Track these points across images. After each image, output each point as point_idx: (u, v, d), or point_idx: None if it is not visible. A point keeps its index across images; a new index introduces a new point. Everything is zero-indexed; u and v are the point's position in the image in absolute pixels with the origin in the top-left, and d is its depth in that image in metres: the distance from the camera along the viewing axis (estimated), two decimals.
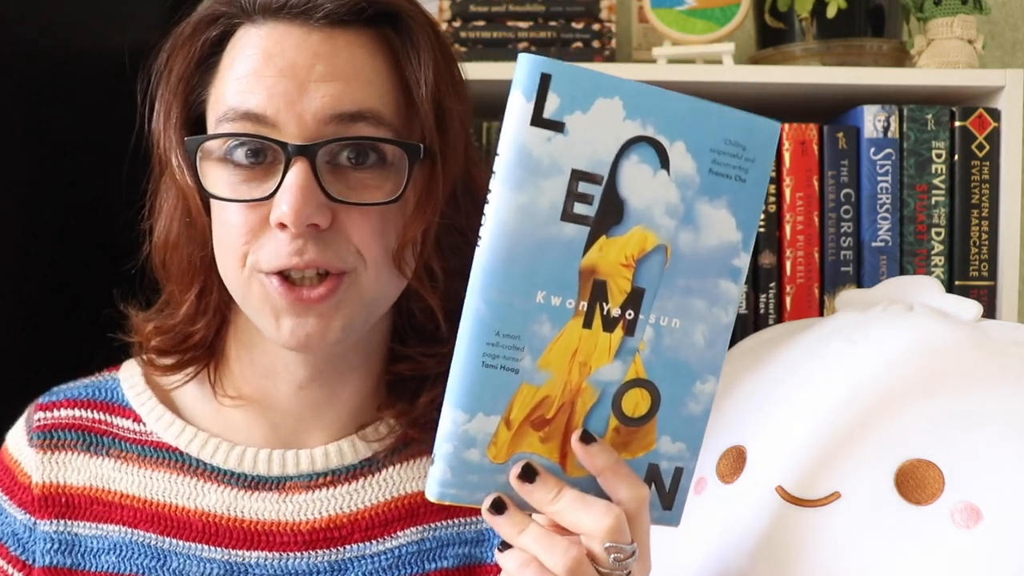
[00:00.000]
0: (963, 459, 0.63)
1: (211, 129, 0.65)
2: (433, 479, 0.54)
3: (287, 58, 0.62)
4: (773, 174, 1.04)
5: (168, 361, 0.72)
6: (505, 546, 0.55)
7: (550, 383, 0.54)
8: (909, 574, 0.60)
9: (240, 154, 0.63)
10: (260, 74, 0.62)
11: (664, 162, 0.53)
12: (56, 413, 0.74)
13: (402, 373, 0.72)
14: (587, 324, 0.54)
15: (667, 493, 0.59)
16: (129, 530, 0.70)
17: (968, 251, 1.05)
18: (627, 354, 0.55)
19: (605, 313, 0.54)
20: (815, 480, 0.66)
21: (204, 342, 0.71)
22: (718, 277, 0.56)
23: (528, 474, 0.54)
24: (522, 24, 1.11)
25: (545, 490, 0.54)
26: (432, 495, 0.54)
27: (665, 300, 0.55)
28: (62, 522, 0.71)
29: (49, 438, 0.73)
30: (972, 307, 0.75)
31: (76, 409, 0.74)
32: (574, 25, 1.11)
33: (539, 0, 1.11)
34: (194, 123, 0.67)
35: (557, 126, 0.51)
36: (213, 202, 0.65)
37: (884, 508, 0.63)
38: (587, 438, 0.55)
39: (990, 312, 1.05)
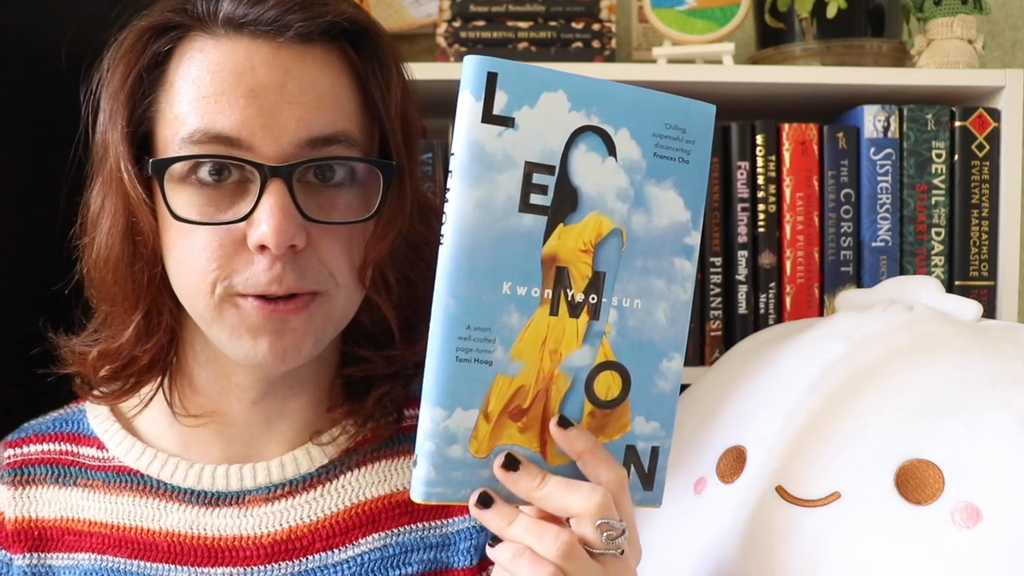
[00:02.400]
0: (963, 459, 0.63)
1: (169, 146, 0.62)
2: (418, 480, 0.54)
3: (257, 76, 0.60)
4: (773, 174, 1.04)
5: (115, 387, 0.70)
6: (496, 540, 0.56)
7: (523, 373, 0.55)
8: (909, 574, 0.60)
9: (205, 173, 0.61)
10: (230, 95, 0.60)
11: (611, 149, 0.55)
12: (26, 449, 0.74)
13: (354, 375, 0.72)
14: (553, 311, 0.55)
15: (646, 474, 0.60)
16: (99, 556, 0.70)
17: (968, 251, 1.05)
18: (594, 338, 0.57)
19: (569, 299, 0.56)
20: (815, 480, 0.66)
21: (154, 363, 0.69)
22: (672, 256, 0.58)
23: (511, 463, 0.55)
24: (522, 24, 1.11)
25: (529, 478, 0.55)
26: (418, 496, 0.54)
27: (625, 282, 0.57)
28: (36, 555, 0.71)
29: (20, 474, 0.73)
30: (972, 307, 0.75)
31: (45, 443, 0.74)
32: (574, 25, 1.11)
33: (539, 0, 1.11)
34: (141, 136, 0.64)
35: (507, 121, 0.53)
36: (171, 222, 0.62)
37: (884, 508, 0.63)
38: (564, 423, 0.56)
39: (990, 312, 1.05)
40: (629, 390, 0.58)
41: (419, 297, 0.70)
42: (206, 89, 0.61)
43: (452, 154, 0.53)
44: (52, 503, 0.72)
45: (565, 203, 0.55)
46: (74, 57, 0.67)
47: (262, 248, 0.60)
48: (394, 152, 0.66)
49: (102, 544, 0.70)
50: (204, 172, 0.61)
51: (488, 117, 0.52)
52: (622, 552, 0.54)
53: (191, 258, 0.62)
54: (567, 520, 0.55)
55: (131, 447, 0.72)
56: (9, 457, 0.74)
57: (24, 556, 0.71)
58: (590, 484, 0.54)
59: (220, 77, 0.60)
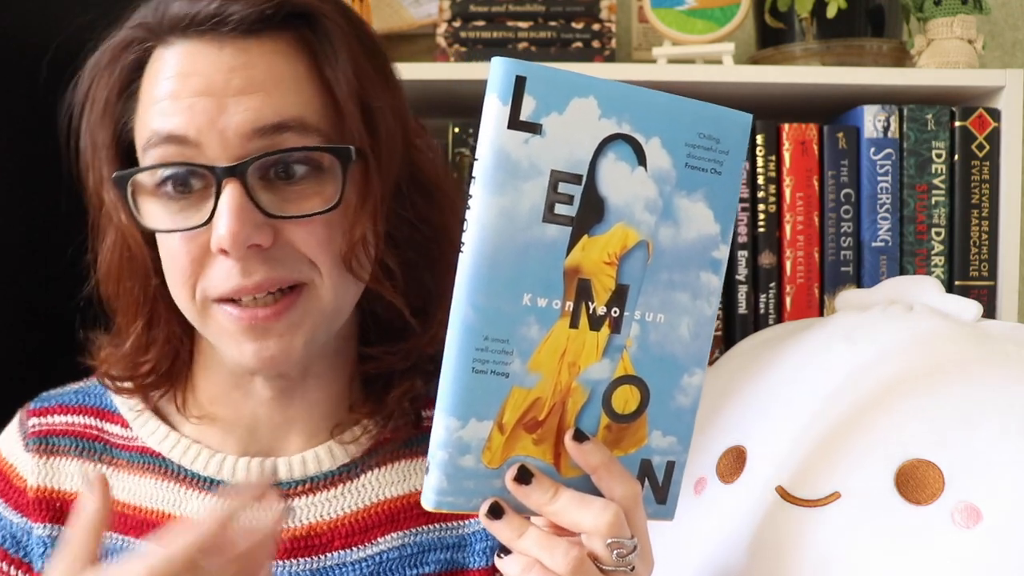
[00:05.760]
0: (963, 459, 0.63)
1: (140, 158, 0.63)
2: (429, 488, 0.54)
3: (203, 76, 0.61)
4: (773, 174, 1.04)
5: (127, 386, 0.71)
6: (505, 551, 0.55)
7: (540, 385, 0.54)
8: (909, 574, 0.60)
9: (168, 184, 0.62)
10: (177, 95, 0.61)
11: (641, 159, 0.54)
12: (50, 419, 0.74)
13: (368, 373, 0.72)
14: (574, 324, 0.54)
15: (660, 488, 0.59)
16: (119, 536, 0.70)
17: (968, 251, 1.05)
18: (614, 351, 0.55)
19: (591, 312, 0.54)
20: (815, 480, 0.66)
21: (157, 371, 0.70)
22: (699, 270, 0.57)
23: (524, 476, 0.54)
24: (522, 24, 1.11)
25: (542, 491, 0.54)
26: (429, 504, 0.54)
27: (649, 296, 0.56)
28: (56, 527, 0.71)
29: (45, 443, 0.73)
30: (972, 307, 0.75)
31: (69, 415, 0.74)
32: (574, 25, 1.11)
33: (539, 0, 1.11)
34: (125, 153, 0.65)
35: (534, 128, 0.51)
36: (158, 234, 0.64)
37: (884, 508, 0.63)
38: (580, 436, 0.55)
39: (990, 312, 1.05)
40: (647, 404, 0.57)
41: (426, 280, 0.69)
42: (159, 95, 0.62)
43: (476, 159, 0.51)
44: (75, 476, 0.72)
45: (591, 213, 0.53)
46: (57, 64, 0.69)
47: (224, 251, 0.60)
48: (354, 136, 0.64)
49: (123, 524, 0.70)
50: (167, 184, 0.62)
51: (515, 123, 0.50)
52: (632, 568, 0.54)
53: (171, 266, 0.64)
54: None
55: (155, 429, 0.72)
56: (34, 426, 0.74)
57: (44, 526, 0.71)
58: (602, 501, 0.54)
59: (171, 82, 0.61)
